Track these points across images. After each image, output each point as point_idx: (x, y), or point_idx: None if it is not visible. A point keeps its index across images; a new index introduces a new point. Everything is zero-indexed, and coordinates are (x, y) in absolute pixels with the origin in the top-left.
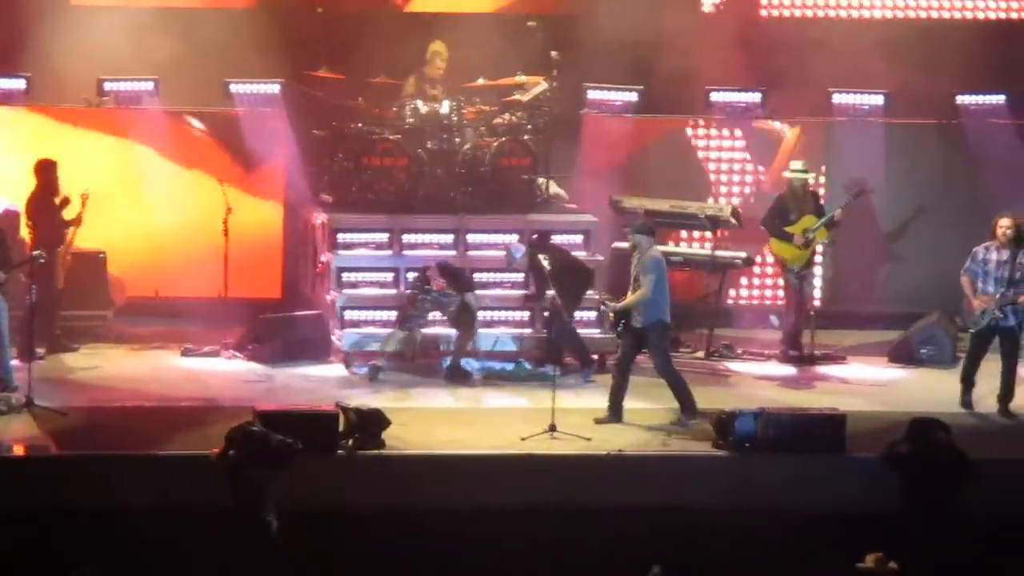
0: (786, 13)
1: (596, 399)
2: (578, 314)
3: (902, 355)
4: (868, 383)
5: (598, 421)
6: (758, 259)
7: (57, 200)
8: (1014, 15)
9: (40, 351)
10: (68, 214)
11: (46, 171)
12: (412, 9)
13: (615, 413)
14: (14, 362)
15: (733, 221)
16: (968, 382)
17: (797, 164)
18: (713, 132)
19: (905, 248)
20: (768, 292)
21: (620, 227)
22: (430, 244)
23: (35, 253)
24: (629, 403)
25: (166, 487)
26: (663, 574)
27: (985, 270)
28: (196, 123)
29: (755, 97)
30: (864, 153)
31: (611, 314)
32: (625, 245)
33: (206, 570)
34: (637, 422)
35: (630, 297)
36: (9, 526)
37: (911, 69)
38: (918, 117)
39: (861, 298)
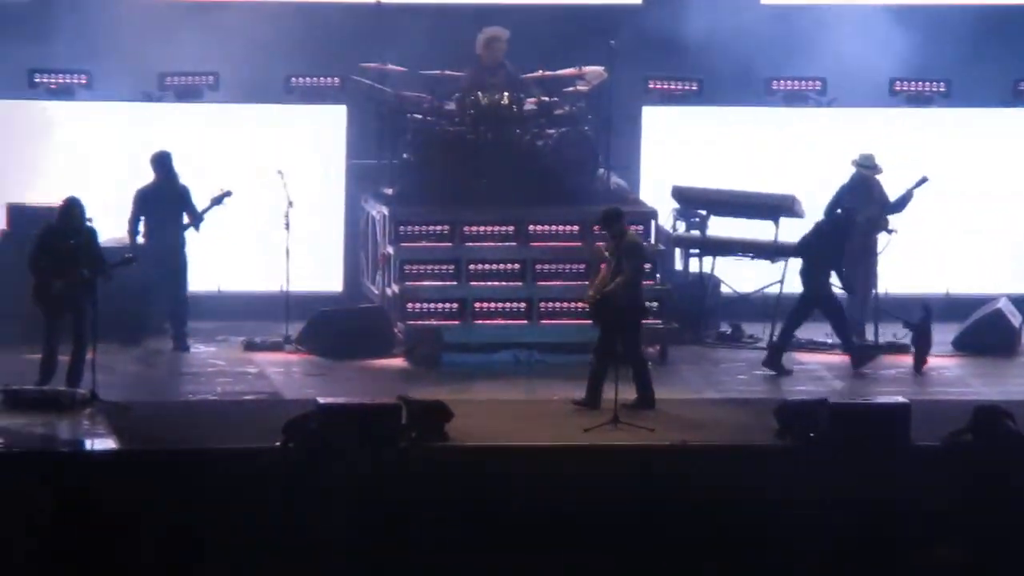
0: (848, 1)
1: (660, 389)
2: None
3: (966, 343)
4: (932, 371)
5: (576, 403)
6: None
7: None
8: None
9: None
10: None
11: (162, 163)
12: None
13: (594, 399)
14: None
15: (796, 210)
16: None
17: (867, 155)
18: (773, 121)
19: (967, 233)
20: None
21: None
22: (491, 236)
23: (128, 256)
24: (685, 394)
25: (229, 481)
26: None
27: None
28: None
29: (815, 85)
30: (924, 140)
31: (592, 300)
32: None
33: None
34: (699, 413)
35: (616, 281)
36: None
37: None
38: (979, 103)
39: (924, 286)
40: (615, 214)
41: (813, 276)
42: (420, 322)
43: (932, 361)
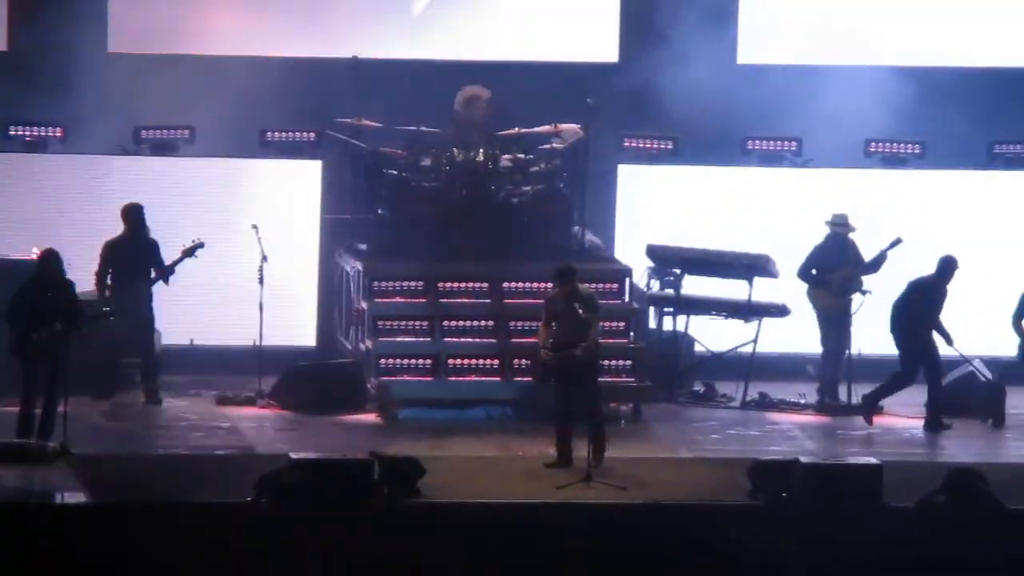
0: (824, 61)
1: (632, 447)
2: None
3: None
4: (905, 433)
5: (547, 465)
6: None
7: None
8: None
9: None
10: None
11: (132, 215)
12: (447, 57)
13: (566, 459)
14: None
15: (770, 269)
16: None
17: (839, 215)
18: (748, 180)
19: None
20: (804, 342)
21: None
22: (466, 292)
23: (105, 310)
24: (658, 452)
25: (201, 535)
26: None
27: None
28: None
29: (791, 145)
30: (899, 201)
31: (547, 355)
32: None
33: None
34: (671, 472)
35: (591, 330)
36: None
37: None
38: (953, 165)
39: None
40: (572, 269)
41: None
42: (393, 378)
43: (906, 422)
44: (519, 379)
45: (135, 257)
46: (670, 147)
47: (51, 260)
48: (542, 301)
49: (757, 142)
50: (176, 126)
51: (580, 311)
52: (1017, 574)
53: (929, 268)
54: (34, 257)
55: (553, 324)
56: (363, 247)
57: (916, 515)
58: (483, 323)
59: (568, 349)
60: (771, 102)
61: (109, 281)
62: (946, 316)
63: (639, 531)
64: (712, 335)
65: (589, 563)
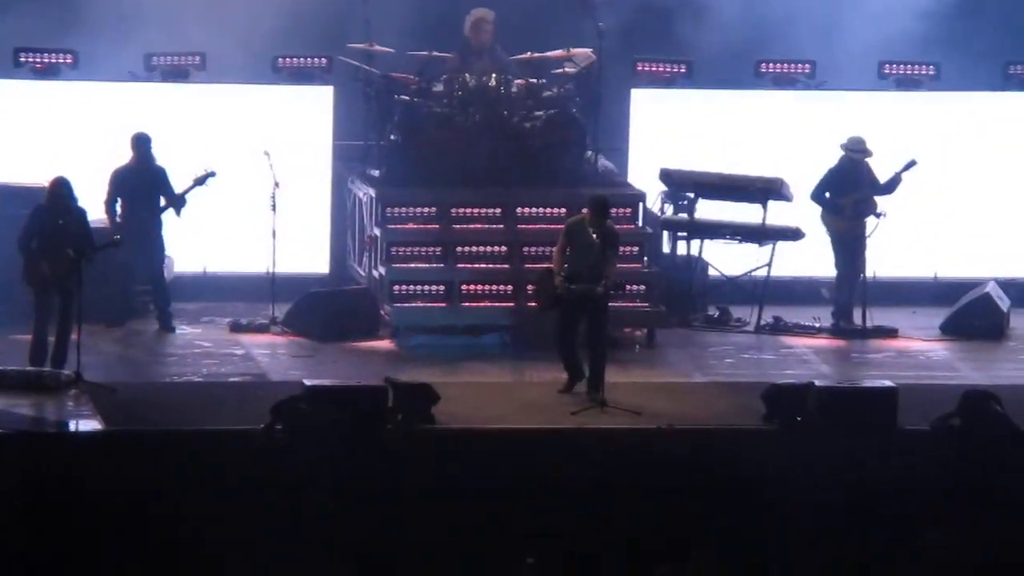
0: None
1: (647, 372)
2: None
3: (955, 327)
4: (919, 356)
5: (561, 391)
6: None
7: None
8: None
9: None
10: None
11: (138, 144)
12: None
13: (577, 373)
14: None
15: (784, 192)
16: None
17: (855, 138)
18: (762, 103)
19: (956, 217)
20: (818, 265)
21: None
22: (479, 218)
23: (115, 238)
24: (673, 377)
25: (215, 462)
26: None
27: None
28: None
29: (804, 68)
30: (913, 123)
31: (563, 285)
32: None
33: (249, 547)
34: (686, 396)
35: (610, 265)
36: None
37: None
38: (968, 87)
39: (913, 269)
40: (609, 205)
41: None
42: (406, 304)
43: (921, 345)
44: (532, 305)
45: (143, 185)
46: (683, 71)
47: (61, 188)
48: (556, 227)
49: (770, 65)
50: (187, 52)
51: (597, 240)
52: None
53: (943, 189)
54: (45, 185)
55: (567, 251)
56: (376, 173)
57: (931, 438)
58: (496, 249)
59: (582, 281)
60: (784, 24)
61: (119, 209)
62: (959, 239)
63: (653, 456)
64: (726, 259)
65: (603, 488)
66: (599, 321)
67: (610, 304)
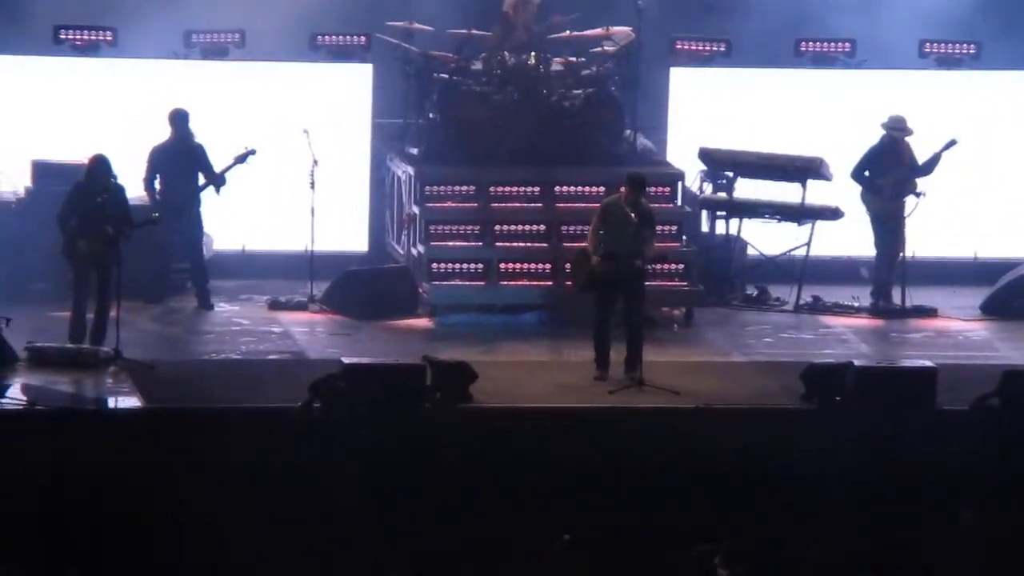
0: None
1: (685, 351)
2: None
3: (994, 307)
4: (959, 335)
5: (596, 379)
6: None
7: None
8: None
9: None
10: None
11: (176, 120)
12: None
13: (607, 363)
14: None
15: (823, 172)
16: None
17: (896, 117)
18: (801, 82)
19: (996, 197)
20: (857, 245)
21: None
22: (517, 196)
23: (154, 215)
24: (711, 356)
25: (253, 440)
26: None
27: None
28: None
29: (844, 46)
30: (953, 103)
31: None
32: None
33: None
34: (724, 376)
35: (648, 245)
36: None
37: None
38: (1009, 66)
39: (952, 249)
40: (645, 181)
41: None
42: (444, 283)
43: (960, 324)
44: (569, 284)
45: (182, 162)
46: (722, 49)
47: (100, 165)
48: (594, 206)
49: (810, 44)
50: (227, 30)
51: (635, 219)
52: None
53: (983, 168)
54: (84, 162)
55: (601, 231)
56: (414, 151)
57: (970, 418)
58: (535, 228)
59: (619, 260)
60: (824, 2)
61: (158, 187)
62: (999, 219)
63: (691, 435)
64: (765, 238)
65: (640, 467)
66: (636, 300)
67: (647, 283)
